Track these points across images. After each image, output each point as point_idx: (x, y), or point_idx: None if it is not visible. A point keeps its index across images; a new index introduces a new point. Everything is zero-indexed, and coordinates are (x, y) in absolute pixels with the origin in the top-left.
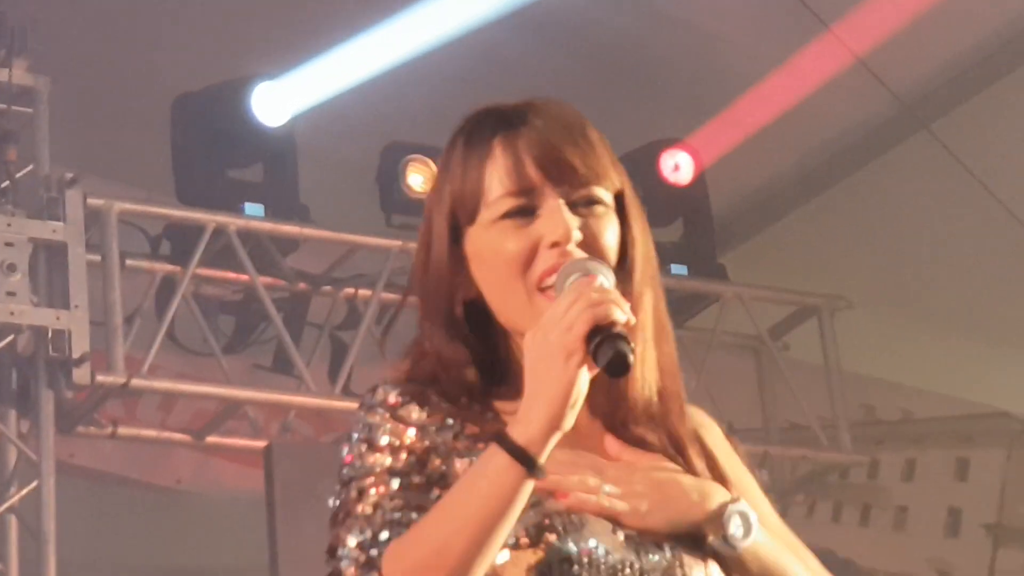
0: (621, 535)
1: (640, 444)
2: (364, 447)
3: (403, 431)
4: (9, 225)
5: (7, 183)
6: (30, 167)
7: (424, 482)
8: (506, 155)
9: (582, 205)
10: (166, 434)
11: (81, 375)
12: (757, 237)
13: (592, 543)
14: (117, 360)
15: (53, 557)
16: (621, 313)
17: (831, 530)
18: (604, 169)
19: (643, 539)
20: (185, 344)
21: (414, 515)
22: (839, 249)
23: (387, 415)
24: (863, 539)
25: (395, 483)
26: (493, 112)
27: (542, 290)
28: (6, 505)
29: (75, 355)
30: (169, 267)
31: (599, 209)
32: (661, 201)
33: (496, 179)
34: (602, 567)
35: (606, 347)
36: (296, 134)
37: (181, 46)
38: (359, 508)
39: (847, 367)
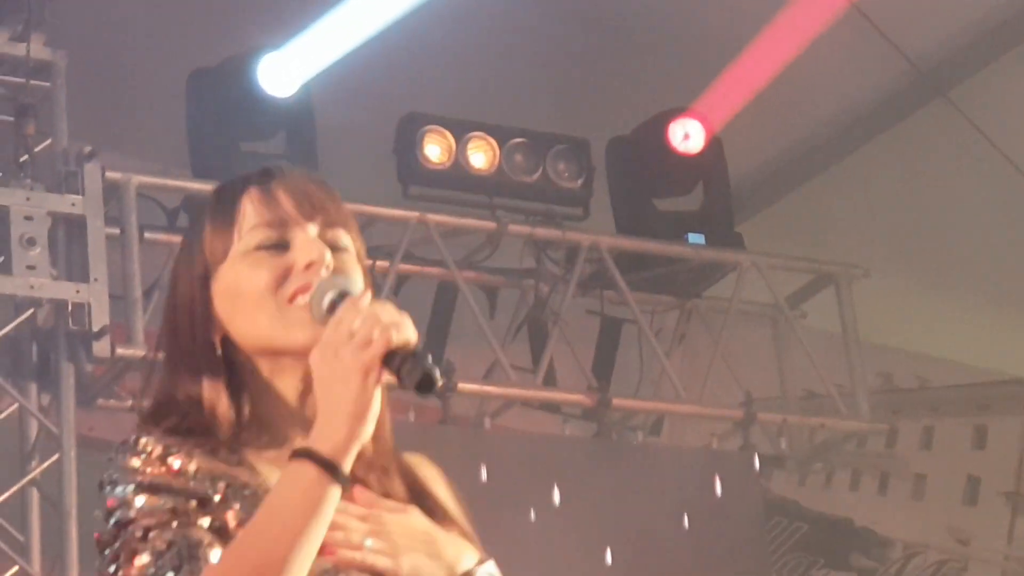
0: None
1: (386, 494)
2: (137, 489)
3: (174, 476)
4: (28, 199)
5: (25, 157)
6: (48, 141)
7: (207, 526)
8: (260, 195)
9: (330, 245)
10: None
11: (101, 348)
12: (774, 206)
13: None
14: (137, 333)
15: (75, 530)
16: (414, 332)
17: (849, 499)
18: (349, 220)
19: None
20: None
21: (209, 550)
22: (856, 217)
23: (156, 462)
24: (881, 507)
25: (181, 521)
26: (247, 173)
27: (293, 304)
28: (28, 479)
29: (95, 328)
30: None
31: (344, 254)
32: (674, 172)
33: (249, 212)
34: None
35: (412, 367)
36: (313, 106)
37: (197, 19)
38: (146, 546)
39: (864, 335)
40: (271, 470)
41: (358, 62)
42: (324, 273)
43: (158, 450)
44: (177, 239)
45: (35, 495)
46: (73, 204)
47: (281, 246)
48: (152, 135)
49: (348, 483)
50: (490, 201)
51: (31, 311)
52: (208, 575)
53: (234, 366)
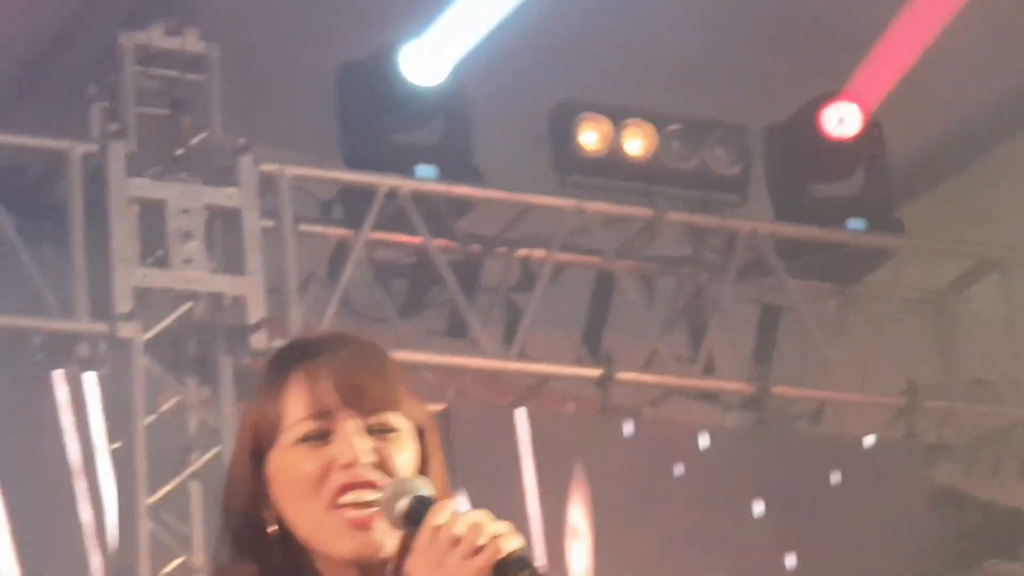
0: None
1: None
2: None
3: None
4: (184, 192)
5: (181, 151)
6: (203, 134)
7: None
8: (306, 381)
9: (377, 431)
10: None
11: (258, 341)
12: (936, 189)
13: None
14: (293, 325)
15: None
16: (520, 540)
17: (1017, 488)
18: (400, 396)
19: None
20: (359, 309)
21: None
22: (1021, 200)
23: None
24: None
25: None
26: (297, 345)
27: (337, 507)
28: (189, 471)
29: (252, 321)
30: (342, 231)
31: (391, 435)
32: (831, 157)
33: (295, 404)
34: None
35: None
36: (468, 96)
37: (347, 10)
38: None
39: None
40: None
41: (511, 50)
42: (362, 470)
43: None
44: (332, 231)
45: (196, 488)
46: (229, 197)
47: (323, 436)
48: (305, 126)
49: None
50: (647, 188)
51: (189, 305)
52: None
53: (290, 547)
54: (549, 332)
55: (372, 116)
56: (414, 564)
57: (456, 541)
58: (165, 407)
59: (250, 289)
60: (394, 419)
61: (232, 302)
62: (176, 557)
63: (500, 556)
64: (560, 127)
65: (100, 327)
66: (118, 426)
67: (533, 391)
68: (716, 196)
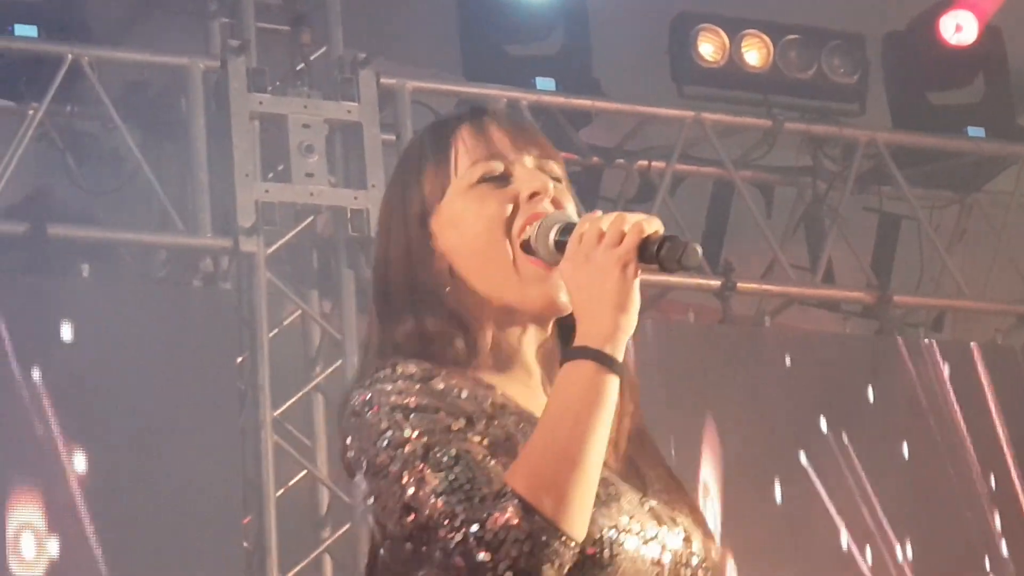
0: (647, 506)
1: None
2: (406, 410)
3: (439, 396)
4: (305, 107)
5: (302, 66)
6: (323, 49)
7: (481, 441)
8: (474, 132)
9: (548, 176)
10: None
11: None
12: None
13: (628, 514)
14: None
15: None
16: (660, 224)
17: None
18: (559, 155)
19: (661, 510)
20: None
21: (494, 463)
22: None
23: (419, 384)
24: None
25: (457, 437)
26: (451, 114)
27: (524, 247)
28: (312, 384)
29: (373, 234)
30: None
31: (561, 185)
32: (950, 65)
33: (465, 153)
34: (638, 537)
35: (671, 245)
36: (586, 8)
37: None
38: (431, 465)
39: None
40: (511, 393)
41: None
42: (548, 206)
43: (418, 373)
44: None
45: (320, 400)
46: (349, 111)
47: (503, 178)
48: (425, 40)
49: (624, 373)
50: (765, 99)
51: (311, 218)
52: (512, 476)
53: (461, 297)
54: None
55: (493, 28)
56: (565, 269)
57: (601, 236)
58: (288, 321)
59: (371, 202)
60: (559, 169)
61: (353, 215)
62: (302, 470)
63: (643, 236)
64: (678, 39)
65: (223, 242)
66: (242, 340)
67: (654, 301)
68: (834, 105)
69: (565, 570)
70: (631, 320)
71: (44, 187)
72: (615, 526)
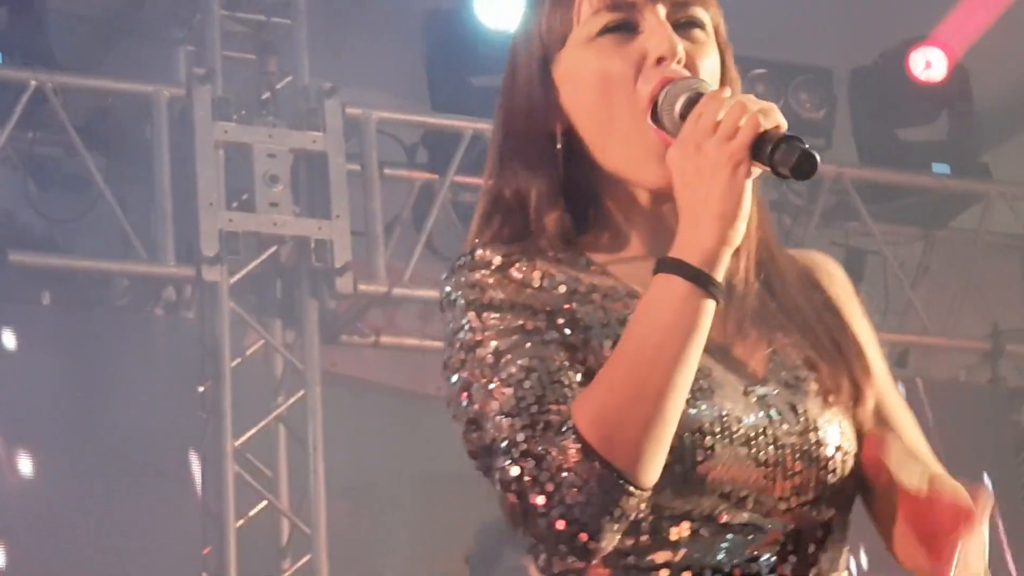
0: (753, 396)
1: (763, 304)
2: (481, 307)
3: (519, 288)
4: (270, 136)
5: (268, 95)
6: (289, 78)
7: (560, 340)
8: None
9: (683, 26)
10: (427, 343)
11: (344, 284)
12: (1022, 134)
13: (725, 409)
14: (379, 269)
15: (321, 465)
16: (783, 119)
17: None
18: None
19: (774, 400)
20: (444, 252)
21: (571, 373)
22: None
23: (497, 274)
24: None
25: (533, 341)
26: None
27: (652, 116)
28: (274, 414)
29: (337, 265)
30: (427, 175)
31: (699, 34)
32: (917, 101)
33: None
34: (735, 435)
35: (787, 149)
36: None
37: None
38: (500, 374)
39: None
40: (621, 272)
41: None
42: (676, 68)
43: (497, 260)
44: (417, 175)
45: (282, 431)
46: (314, 141)
47: (629, 28)
48: (390, 71)
49: (722, 294)
50: None
51: (274, 248)
52: (579, 410)
53: (575, 158)
54: None
55: (458, 60)
56: (673, 154)
57: (715, 126)
58: (251, 351)
59: (335, 233)
60: (699, 12)
61: (317, 246)
62: (262, 500)
63: (757, 133)
64: None
65: (186, 270)
66: (204, 369)
67: None
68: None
69: (629, 521)
70: (737, 232)
71: (5, 212)
72: (699, 429)
